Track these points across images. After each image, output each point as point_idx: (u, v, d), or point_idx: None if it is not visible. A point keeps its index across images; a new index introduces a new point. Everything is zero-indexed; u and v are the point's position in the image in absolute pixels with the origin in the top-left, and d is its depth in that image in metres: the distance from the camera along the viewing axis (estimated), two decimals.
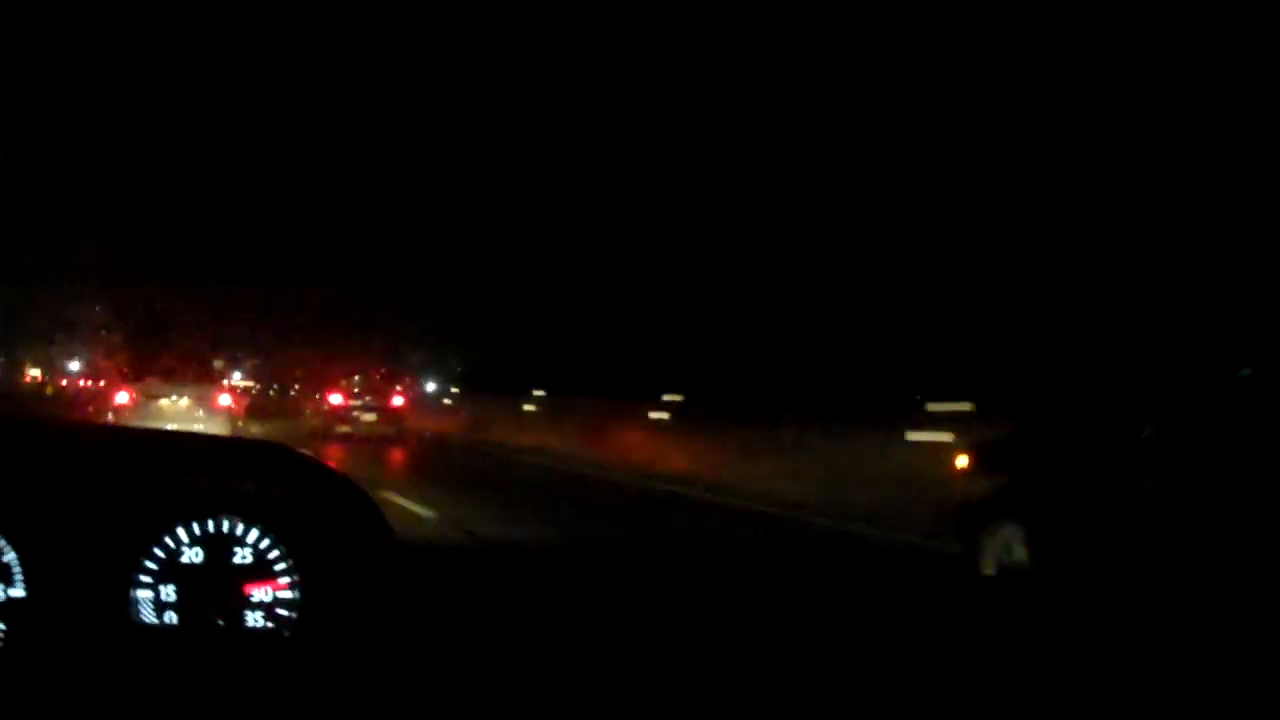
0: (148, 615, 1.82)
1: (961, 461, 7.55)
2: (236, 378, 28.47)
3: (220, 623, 1.84)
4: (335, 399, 23.35)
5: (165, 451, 1.94)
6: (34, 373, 31.00)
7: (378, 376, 25.50)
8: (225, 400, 19.26)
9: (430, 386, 31.90)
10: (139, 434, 2.23)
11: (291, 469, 1.92)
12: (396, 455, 19.27)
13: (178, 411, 17.60)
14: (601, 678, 1.82)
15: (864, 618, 2.00)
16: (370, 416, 22.15)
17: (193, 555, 1.85)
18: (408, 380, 28.10)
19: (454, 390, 31.36)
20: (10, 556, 1.78)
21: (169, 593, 1.83)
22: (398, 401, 23.51)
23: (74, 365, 29.02)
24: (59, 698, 1.69)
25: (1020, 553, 5.84)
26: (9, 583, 1.77)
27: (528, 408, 24.40)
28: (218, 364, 28.38)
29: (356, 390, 23.84)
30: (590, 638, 1.92)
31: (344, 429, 21.62)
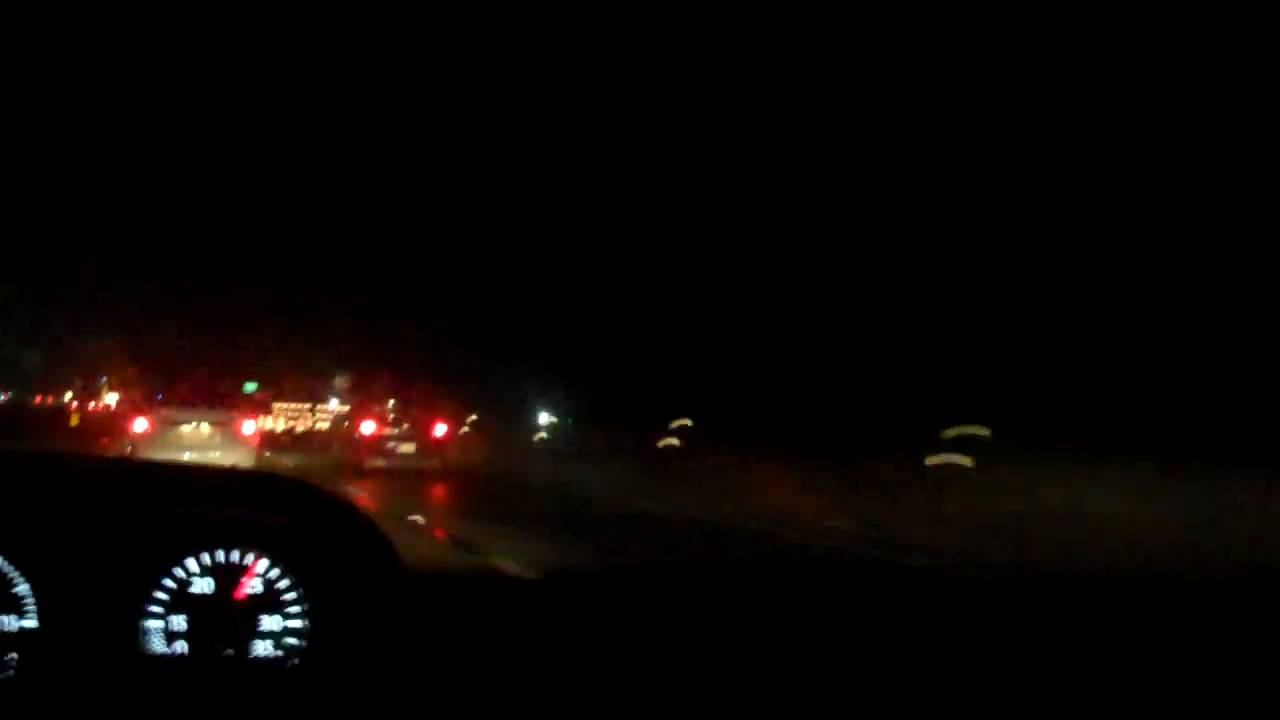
0: (158, 645, 1.83)
1: None
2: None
3: (229, 652, 1.84)
4: (368, 427, 20.11)
5: (176, 484, 1.96)
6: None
7: (418, 400, 22.43)
8: (249, 428, 18.08)
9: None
10: (150, 467, 2.25)
11: (301, 500, 1.92)
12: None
13: (198, 439, 17.02)
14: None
15: None
16: (408, 448, 19.32)
17: (203, 586, 1.86)
18: (453, 405, 24.29)
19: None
20: (23, 588, 1.79)
21: (179, 623, 1.84)
22: (440, 431, 20.16)
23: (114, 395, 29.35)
24: None
25: None
26: (21, 613, 1.79)
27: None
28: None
29: (393, 417, 20.62)
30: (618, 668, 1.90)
31: (378, 463, 18.80)
